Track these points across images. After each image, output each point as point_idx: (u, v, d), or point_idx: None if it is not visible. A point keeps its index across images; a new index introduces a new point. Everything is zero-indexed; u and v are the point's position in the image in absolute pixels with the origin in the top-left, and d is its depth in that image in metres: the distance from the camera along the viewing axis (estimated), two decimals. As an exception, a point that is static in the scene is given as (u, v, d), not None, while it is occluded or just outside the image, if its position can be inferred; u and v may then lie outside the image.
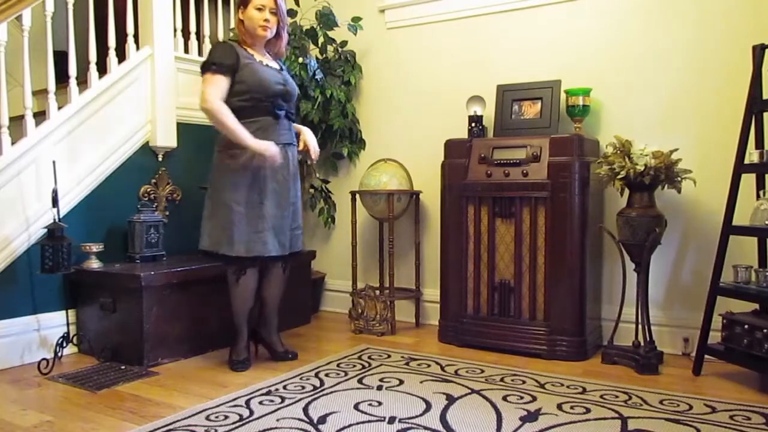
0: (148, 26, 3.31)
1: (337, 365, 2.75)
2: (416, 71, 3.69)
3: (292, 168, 2.73)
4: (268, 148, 2.57)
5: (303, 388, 2.43)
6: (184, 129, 3.45)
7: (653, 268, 2.88)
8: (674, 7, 2.96)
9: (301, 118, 3.50)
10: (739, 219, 2.58)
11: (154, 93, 3.31)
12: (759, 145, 2.61)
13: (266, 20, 2.64)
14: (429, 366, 2.74)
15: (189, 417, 2.12)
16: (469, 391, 2.39)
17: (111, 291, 2.84)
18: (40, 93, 3.20)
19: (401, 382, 2.51)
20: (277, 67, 2.78)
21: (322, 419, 2.10)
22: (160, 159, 3.40)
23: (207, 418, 2.12)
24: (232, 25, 3.91)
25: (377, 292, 3.51)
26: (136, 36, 3.30)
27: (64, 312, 2.91)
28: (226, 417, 2.12)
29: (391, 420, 2.09)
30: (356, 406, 2.22)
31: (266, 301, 2.81)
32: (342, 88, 3.75)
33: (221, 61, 2.59)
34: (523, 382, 2.51)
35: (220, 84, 2.58)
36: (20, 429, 2.06)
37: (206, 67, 2.60)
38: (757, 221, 2.49)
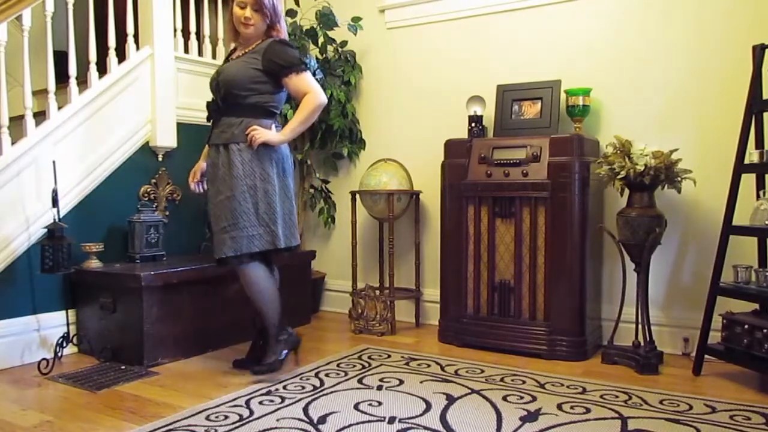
0: (148, 26, 3.31)
1: (337, 365, 2.75)
2: (416, 71, 3.69)
3: (218, 169, 2.53)
4: (191, 173, 2.81)
5: (303, 388, 2.43)
6: (184, 129, 3.46)
7: (653, 268, 2.88)
8: (674, 7, 2.96)
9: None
10: (739, 219, 2.58)
11: (154, 93, 3.31)
12: (759, 145, 2.61)
13: (246, 17, 2.53)
14: (429, 366, 2.74)
15: (189, 417, 2.12)
16: (469, 391, 2.39)
17: (111, 291, 2.84)
18: (40, 93, 3.20)
19: (401, 382, 2.51)
20: (239, 55, 2.61)
21: (322, 419, 2.10)
22: (160, 159, 3.40)
23: (207, 418, 2.12)
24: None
25: (377, 292, 3.51)
26: (136, 36, 3.30)
27: (64, 312, 2.91)
28: (226, 417, 2.12)
29: (391, 420, 2.09)
30: (356, 406, 2.22)
31: None
32: (342, 88, 3.75)
33: None
34: (523, 382, 2.51)
35: None
36: (20, 429, 2.06)
37: None
38: (757, 221, 2.49)
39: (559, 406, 2.22)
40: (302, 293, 3.61)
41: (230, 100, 2.53)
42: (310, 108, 2.53)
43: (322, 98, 2.56)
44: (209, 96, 2.66)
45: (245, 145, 2.49)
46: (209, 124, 2.65)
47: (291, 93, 2.61)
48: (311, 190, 3.89)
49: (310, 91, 2.53)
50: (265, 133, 2.49)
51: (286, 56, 2.54)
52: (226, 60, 2.70)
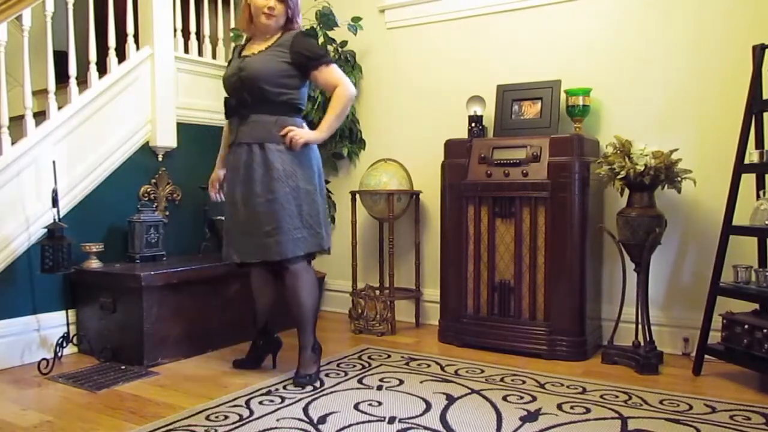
0: (148, 26, 3.31)
1: (337, 365, 2.75)
2: (416, 71, 3.69)
3: (253, 170, 2.44)
4: (210, 182, 2.78)
5: (303, 388, 2.43)
6: (184, 129, 3.46)
7: (653, 268, 2.88)
8: (674, 7, 2.96)
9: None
10: (739, 219, 2.58)
11: (154, 93, 3.31)
12: (759, 145, 2.61)
13: (270, 8, 2.43)
14: (429, 366, 2.74)
15: (189, 417, 2.12)
16: (469, 391, 2.39)
17: (111, 291, 2.84)
18: (40, 93, 3.20)
19: (401, 382, 2.51)
20: (261, 49, 2.50)
21: (322, 419, 2.10)
22: (160, 159, 3.40)
23: (207, 418, 2.12)
24: (233, 24, 3.91)
25: (377, 292, 3.52)
26: (136, 36, 3.30)
27: (64, 312, 2.90)
28: (226, 417, 2.12)
29: (391, 420, 2.09)
30: (356, 406, 2.22)
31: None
32: (342, 88, 3.74)
33: None
34: (523, 382, 2.51)
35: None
36: (20, 429, 2.06)
37: None
38: (757, 221, 2.49)
39: (559, 406, 2.22)
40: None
41: (259, 96, 2.44)
42: (344, 100, 2.45)
43: (353, 89, 2.49)
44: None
45: (285, 146, 2.42)
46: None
47: (320, 86, 2.55)
48: (311, 190, 3.88)
49: (341, 83, 2.46)
50: (304, 133, 2.44)
51: (315, 48, 2.48)
52: (239, 55, 2.57)
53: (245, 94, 2.46)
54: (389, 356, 2.90)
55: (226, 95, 2.57)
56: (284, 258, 2.44)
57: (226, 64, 3.54)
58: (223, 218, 3.32)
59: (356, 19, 3.69)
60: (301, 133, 2.43)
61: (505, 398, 2.30)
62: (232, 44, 3.67)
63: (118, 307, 2.82)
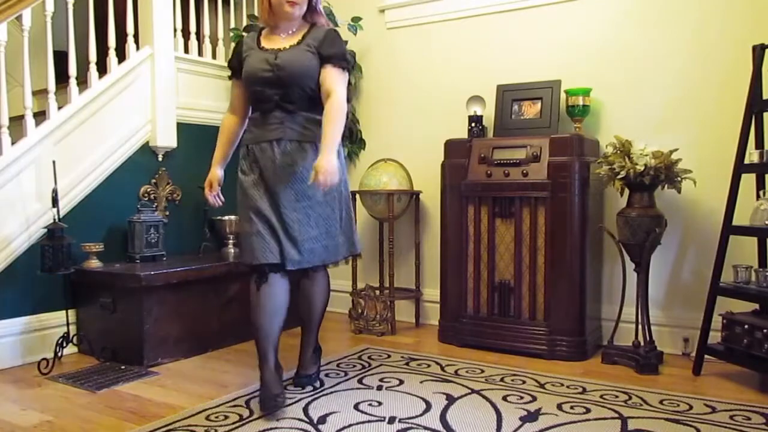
0: (148, 26, 3.31)
1: (337, 365, 2.75)
2: (416, 71, 3.69)
3: (293, 168, 2.26)
4: (207, 183, 2.52)
5: (303, 388, 2.43)
6: (184, 129, 3.46)
7: (653, 268, 2.88)
8: (674, 7, 2.96)
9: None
10: (739, 219, 2.58)
11: (154, 93, 3.31)
12: (759, 145, 2.61)
13: None
14: (429, 366, 2.74)
15: (189, 417, 2.12)
16: (469, 391, 2.39)
17: (111, 291, 2.84)
18: (40, 93, 3.20)
19: (401, 382, 2.51)
20: (292, 43, 2.33)
21: (322, 419, 2.10)
22: (160, 159, 3.40)
23: (207, 418, 2.12)
24: (233, 24, 3.91)
25: (377, 292, 3.52)
26: (136, 36, 3.30)
27: (64, 312, 2.90)
28: (226, 417, 2.12)
29: (391, 420, 2.09)
30: (356, 406, 2.22)
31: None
32: (342, 88, 3.74)
33: (229, 64, 2.49)
34: (523, 382, 2.51)
35: (232, 91, 2.47)
36: (20, 429, 2.06)
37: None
38: (757, 221, 2.49)
39: (559, 406, 2.22)
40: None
41: (302, 94, 2.29)
42: (341, 112, 2.22)
43: (346, 104, 2.28)
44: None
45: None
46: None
47: (320, 80, 2.28)
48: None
49: (337, 91, 2.24)
50: (329, 167, 2.11)
51: (341, 47, 2.34)
52: (259, 47, 2.36)
53: (288, 91, 2.28)
54: (389, 356, 2.90)
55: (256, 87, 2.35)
56: (327, 263, 2.39)
57: (225, 62, 3.55)
58: (223, 218, 3.37)
59: (356, 19, 3.70)
60: (327, 169, 2.11)
61: (505, 398, 2.30)
62: (232, 44, 3.67)
63: (118, 307, 2.82)
